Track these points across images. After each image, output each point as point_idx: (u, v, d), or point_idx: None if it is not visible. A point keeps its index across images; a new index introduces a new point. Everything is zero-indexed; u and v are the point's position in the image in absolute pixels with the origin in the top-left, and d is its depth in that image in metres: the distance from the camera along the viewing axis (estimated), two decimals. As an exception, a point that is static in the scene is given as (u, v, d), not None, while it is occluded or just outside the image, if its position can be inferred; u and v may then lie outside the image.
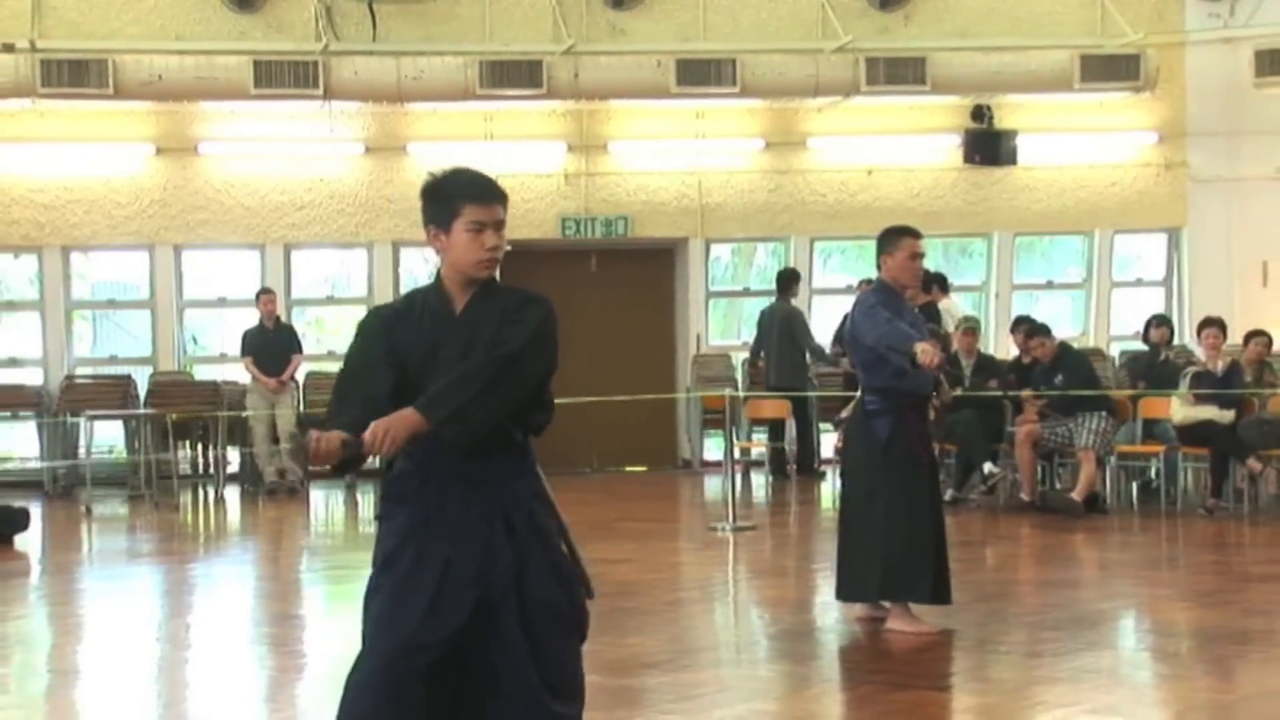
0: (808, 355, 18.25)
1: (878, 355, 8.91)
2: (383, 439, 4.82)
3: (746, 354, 19.78)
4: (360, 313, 20.53)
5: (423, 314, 5.23)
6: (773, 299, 18.65)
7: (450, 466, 5.10)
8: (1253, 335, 15.45)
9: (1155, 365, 16.05)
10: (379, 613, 5.04)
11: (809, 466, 18.14)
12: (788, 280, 18.53)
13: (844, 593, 9.14)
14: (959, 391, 14.01)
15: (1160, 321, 16.90)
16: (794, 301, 18.48)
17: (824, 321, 18.83)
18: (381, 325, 5.24)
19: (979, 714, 7.22)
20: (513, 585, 5.01)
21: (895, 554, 8.79)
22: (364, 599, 5.11)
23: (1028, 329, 15.66)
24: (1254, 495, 14.50)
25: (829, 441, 17.71)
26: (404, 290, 19.53)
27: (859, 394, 9.30)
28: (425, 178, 5.43)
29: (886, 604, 8.93)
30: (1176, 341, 17.64)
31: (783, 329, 18.08)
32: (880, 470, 8.90)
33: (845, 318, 16.89)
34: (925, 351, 8.45)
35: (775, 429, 18.42)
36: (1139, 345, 17.79)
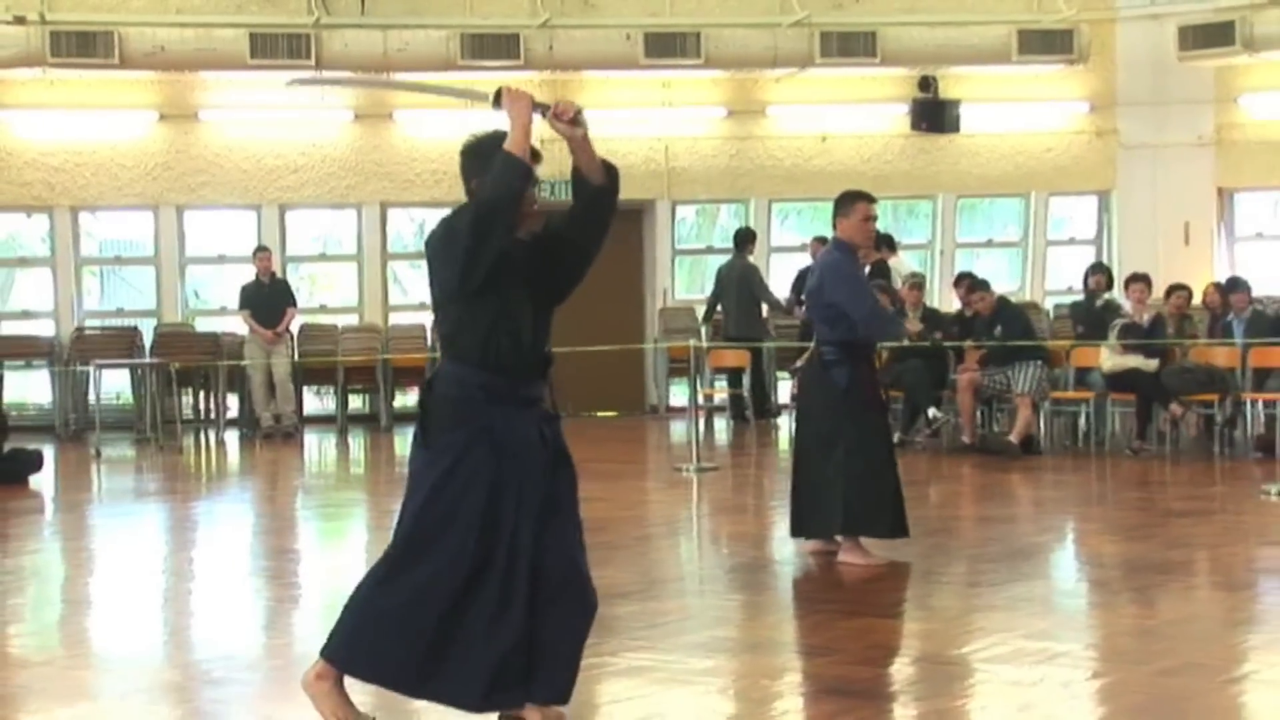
0: (764, 307, 18.29)
1: (839, 310, 8.91)
2: (570, 108, 5.39)
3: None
4: (350, 269, 20.54)
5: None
6: (730, 256, 18.67)
7: (522, 386, 5.45)
8: (1174, 289, 15.51)
9: (1093, 311, 16.13)
10: (494, 540, 5.36)
11: (765, 411, 18.17)
12: (744, 238, 18.54)
13: (804, 530, 9.13)
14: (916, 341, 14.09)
15: (1098, 269, 16.94)
16: (750, 259, 18.49)
17: (781, 276, 18.87)
18: None
19: (923, 639, 7.25)
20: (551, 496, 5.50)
21: (857, 493, 8.78)
22: (432, 512, 5.37)
23: (969, 284, 15.71)
24: (1175, 438, 14.57)
25: (784, 388, 17.77)
26: (391, 249, 19.61)
27: (814, 344, 9.30)
28: (465, 139, 5.44)
29: (839, 539, 8.95)
30: (1106, 294, 17.69)
31: (740, 284, 18.10)
32: (840, 416, 8.89)
33: (802, 272, 16.95)
34: (912, 327, 8.86)
35: (736, 376, 18.44)
36: (1072, 298, 17.82)
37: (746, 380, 18.24)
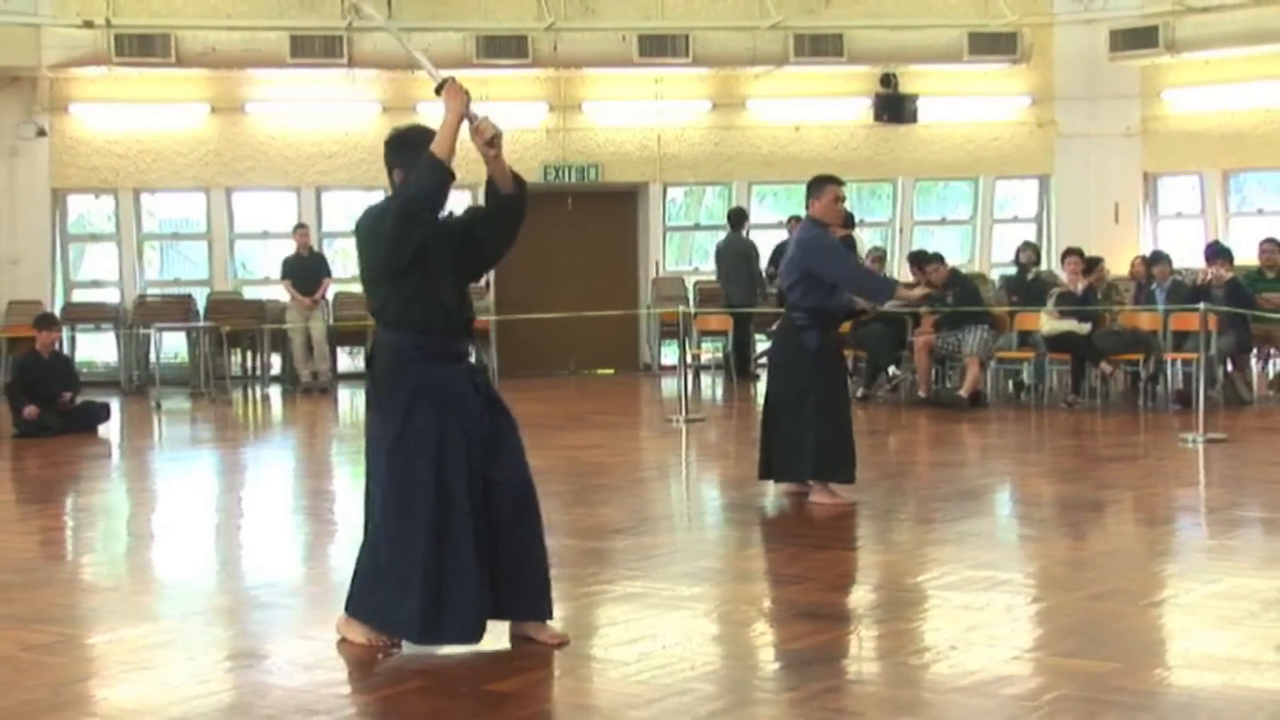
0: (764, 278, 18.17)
1: (810, 278, 8.87)
2: (489, 130, 5.34)
3: (697, 277, 19.87)
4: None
5: None
6: (725, 233, 18.60)
7: (451, 345, 5.48)
8: (1092, 262, 15.42)
9: (1025, 282, 16.14)
10: (451, 478, 5.38)
11: (745, 370, 18.13)
12: (739, 217, 18.47)
13: (776, 475, 9.09)
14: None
15: (1027, 246, 16.95)
16: (745, 235, 18.44)
17: (760, 250, 18.83)
18: None
19: (883, 570, 7.27)
20: (490, 433, 5.49)
21: (826, 444, 8.74)
22: (399, 460, 5.43)
23: (919, 260, 15.78)
24: (1105, 392, 14.60)
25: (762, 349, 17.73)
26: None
27: (785, 310, 9.26)
28: (389, 131, 5.52)
29: (810, 482, 8.94)
30: (1044, 268, 17.69)
31: (738, 257, 18.01)
32: (810, 376, 8.84)
33: (780, 245, 16.91)
34: (910, 292, 9.24)
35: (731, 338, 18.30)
36: (1014, 270, 17.84)
37: (727, 342, 18.24)
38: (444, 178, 5.29)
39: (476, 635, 5.41)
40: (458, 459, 5.39)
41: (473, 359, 5.69)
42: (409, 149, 5.47)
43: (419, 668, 5.35)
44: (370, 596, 5.51)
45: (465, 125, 5.39)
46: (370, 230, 5.47)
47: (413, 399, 5.40)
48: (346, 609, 5.62)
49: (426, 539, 5.35)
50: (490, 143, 5.36)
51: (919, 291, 10.18)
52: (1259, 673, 5.14)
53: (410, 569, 5.37)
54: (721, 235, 19.69)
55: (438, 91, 5.41)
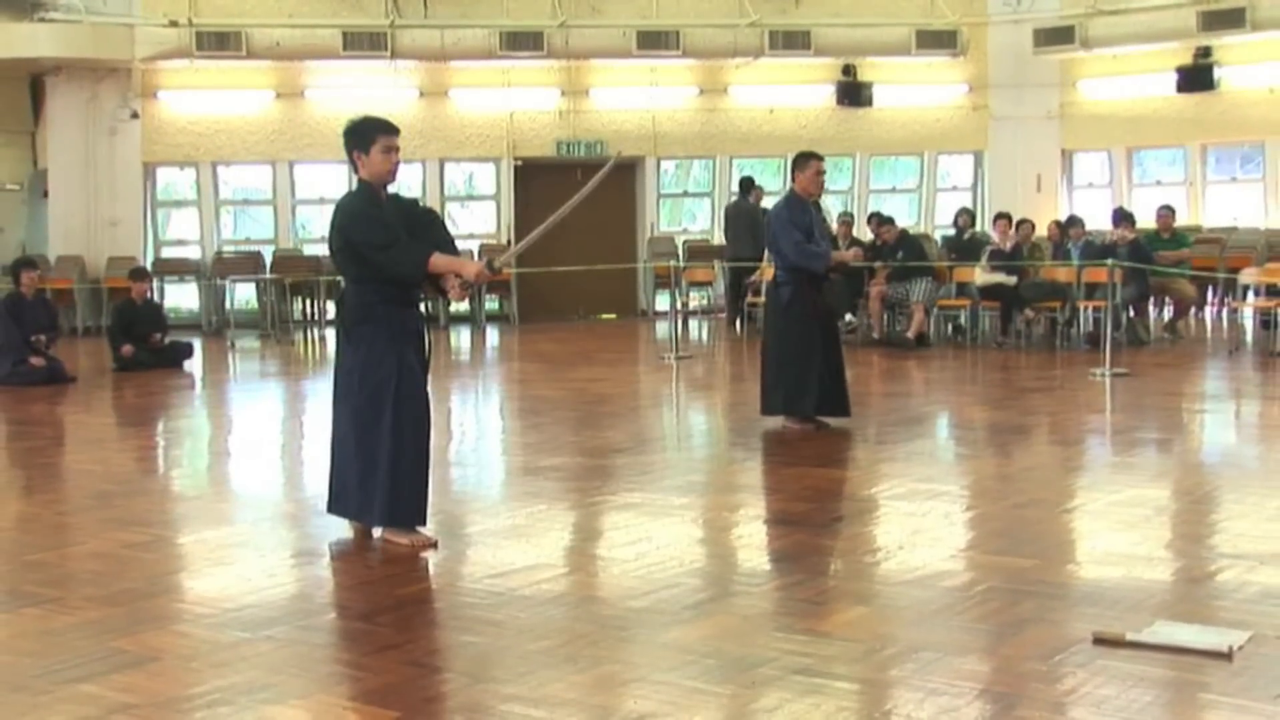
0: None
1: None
2: (464, 293, 5.74)
3: (686, 237, 19.81)
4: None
5: (378, 202, 5.66)
6: (736, 198, 18.37)
7: (405, 295, 5.70)
8: (1020, 223, 15.37)
9: (961, 241, 16.09)
10: (405, 395, 5.62)
11: (738, 311, 17.84)
12: (747, 185, 18.17)
13: (762, 409, 8.97)
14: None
15: (964, 211, 16.87)
16: (751, 200, 18.12)
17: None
18: (371, 208, 5.64)
19: (843, 482, 7.29)
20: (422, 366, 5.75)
21: (792, 382, 8.69)
22: (374, 382, 5.64)
23: (878, 220, 15.67)
24: (1028, 334, 14.58)
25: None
26: (447, 191, 19.48)
27: (770, 266, 9.22)
28: (346, 122, 5.75)
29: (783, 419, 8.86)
30: (978, 229, 17.62)
31: (745, 218, 17.40)
32: (783, 324, 8.77)
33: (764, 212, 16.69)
34: (842, 259, 9.07)
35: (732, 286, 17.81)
36: (953, 231, 17.78)
37: (711, 290, 18.16)
38: (416, 277, 5.57)
39: (425, 518, 5.65)
40: (405, 377, 5.57)
41: (422, 307, 5.89)
42: (359, 135, 5.65)
43: (435, 568, 5.38)
44: (356, 494, 5.68)
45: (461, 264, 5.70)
46: (342, 228, 5.61)
47: (376, 331, 5.60)
48: (381, 523, 5.68)
49: (387, 440, 5.54)
50: (462, 287, 5.65)
51: (852, 253, 10.00)
52: (1151, 566, 5.17)
53: (373, 466, 5.57)
54: (706, 202, 19.66)
55: (489, 265, 5.67)
